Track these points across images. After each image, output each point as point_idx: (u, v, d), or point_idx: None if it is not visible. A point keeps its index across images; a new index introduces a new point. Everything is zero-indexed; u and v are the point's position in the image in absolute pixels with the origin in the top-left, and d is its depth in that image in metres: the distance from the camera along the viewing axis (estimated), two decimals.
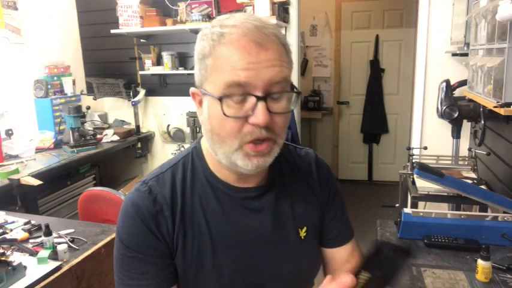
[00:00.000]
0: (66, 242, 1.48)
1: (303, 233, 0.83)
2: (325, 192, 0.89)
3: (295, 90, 0.70)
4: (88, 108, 3.36)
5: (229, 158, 0.70)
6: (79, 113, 2.86)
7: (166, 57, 3.28)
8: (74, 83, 3.30)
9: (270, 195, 0.81)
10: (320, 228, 0.89)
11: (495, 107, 1.46)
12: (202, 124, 0.74)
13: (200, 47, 0.70)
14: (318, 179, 0.88)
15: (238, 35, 0.65)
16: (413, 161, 2.13)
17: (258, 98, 0.65)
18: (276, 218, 0.81)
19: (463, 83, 2.34)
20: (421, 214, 1.42)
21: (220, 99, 0.65)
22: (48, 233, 1.39)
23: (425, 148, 2.44)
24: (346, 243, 0.92)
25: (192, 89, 0.74)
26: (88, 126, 3.34)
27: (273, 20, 2.67)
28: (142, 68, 3.45)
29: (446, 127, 2.56)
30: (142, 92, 3.44)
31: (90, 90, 3.53)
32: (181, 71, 3.30)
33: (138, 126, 3.51)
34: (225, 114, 0.65)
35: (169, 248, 0.75)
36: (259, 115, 0.65)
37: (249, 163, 0.69)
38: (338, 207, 0.91)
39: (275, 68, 0.66)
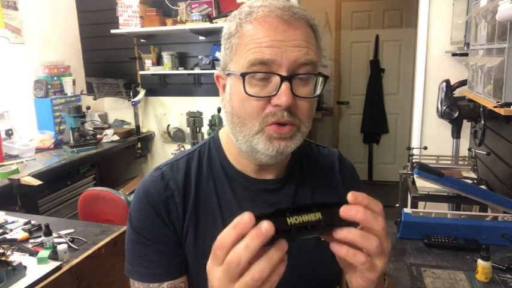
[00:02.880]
0: (66, 242, 1.48)
1: None
2: (348, 191, 0.85)
3: (321, 74, 0.67)
4: (88, 108, 3.36)
5: (250, 141, 0.67)
6: (79, 113, 2.86)
7: (166, 57, 3.28)
8: (74, 83, 3.30)
9: (288, 188, 0.78)
10: None
11: (495, 107, 1.46)
12: (223, 109, 0.72)
13: (227, 27, 0.69)
14: (341, 178, 0.85)
15: (265, 12, 0.64)
16: (413, 161, 2.12)
17: (283, 78, 0.62)
18: None
19: (463, 83, 2.34)
20: (421, 214, 1.42)
21: (243, 76, 0.63)
22: (48, 233, 1.39)
23: (425, 148, 2.44)
24: None
25: (216, 72, 0.73)
26: (88, 126, 3.34)
27: None
28: (142, 68, 3.45)
29: (446, 127, 2.56)
30: (142, 92, 3.44)
31: (90, 90, 3.53)
32: (181, 71, 3.30)
33: (138, 126, 3.51)
34: (246, 93, 0.63)
35: (178, 236, 0.73)
36: (282, 96, 0.62)
37: (270, 146, 0.66)
38: None
39: (302, 49, 0.64)
